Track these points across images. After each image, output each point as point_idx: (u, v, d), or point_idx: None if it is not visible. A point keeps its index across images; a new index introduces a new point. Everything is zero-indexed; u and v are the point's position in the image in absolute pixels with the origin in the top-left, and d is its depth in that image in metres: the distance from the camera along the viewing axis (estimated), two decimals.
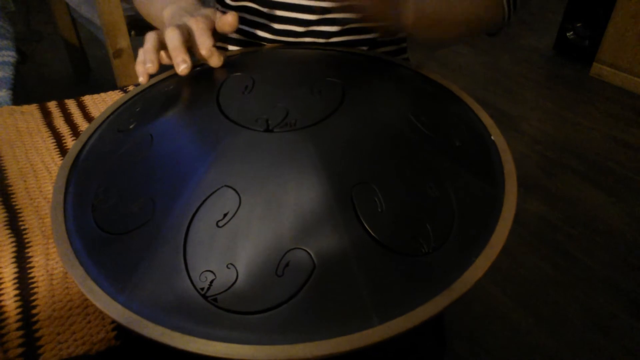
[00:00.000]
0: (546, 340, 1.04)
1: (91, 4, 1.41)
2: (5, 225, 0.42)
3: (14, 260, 0.39)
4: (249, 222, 0.30)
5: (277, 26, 0.55)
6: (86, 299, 0.36)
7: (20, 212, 0.44)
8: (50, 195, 0.46)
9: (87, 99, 0.62)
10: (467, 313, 1.10)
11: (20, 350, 0.33)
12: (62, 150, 0.53)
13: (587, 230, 1.33)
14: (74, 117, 0.58)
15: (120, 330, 0.35)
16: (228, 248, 0.29)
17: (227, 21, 0.43)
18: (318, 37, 0.55)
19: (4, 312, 0.35)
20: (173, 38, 0.41)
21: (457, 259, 0.30)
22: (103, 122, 0.44)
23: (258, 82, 0.41)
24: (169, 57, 0.42)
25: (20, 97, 1.10)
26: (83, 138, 0.42)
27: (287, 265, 0.28)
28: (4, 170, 0.49)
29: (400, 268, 0.29)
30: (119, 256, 0.31)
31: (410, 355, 0.48)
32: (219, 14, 0.44)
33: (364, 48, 0.58)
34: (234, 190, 0.31)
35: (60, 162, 0.50)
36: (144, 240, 0.31)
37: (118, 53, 1.25)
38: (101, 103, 0.61)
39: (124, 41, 1.24)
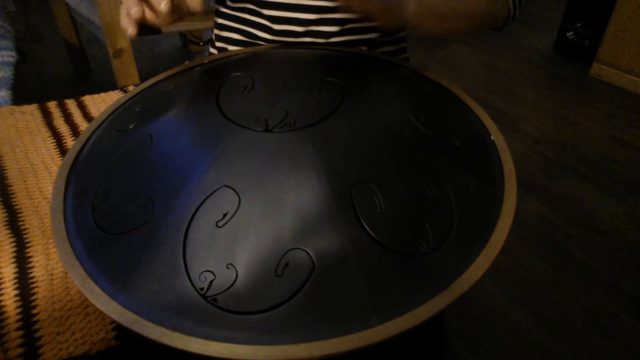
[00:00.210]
0: (546, 340, 1.04)
1: (91, 3, 1.41)
2: (5, 225, 0.42)
3: (14, 260, 0.39)
4: (249, 222, 0.30)
5: (276, 26, 0.55)
6: (86, 299, 0.36)
7: (20, 212, 0.44)
8: (50, 195, 0.46)
9: (87, 99, 0.62)
10: (467, 313, 1.09)
11: (20, 350, 0.33)
12: (62, 150, 0.53)
13: (587, 230, 1.33)
14: (74, 117, 0.58)
15: (120, 330, 0.35)
16: (228, 248, 0.29)
17: None
18: (317, 37, 0.55)
19: (4, 312, 0.35)
20: None
21: (456, 259, 0.30)
22: (103, 122, 0.44)
23: (257, 82, 0.41)
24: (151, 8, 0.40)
25: (20, 97, 1.10)
26: (83, 138, 0.42)
27: (286, 265, 0.28)
28: (4, 170, 0.49)
29: (399, 268, 0.29)
30: (119, 256, 0.31)
31: (410, 355, 0.48)
32: None
33: (364, 48, 0.58)
34: (234, 190, 0.31)
35: (60, 162, 0.50)
36: (143, 240, 0.31)
37: (118, 53, 1.24)
38: (101, 103, 0.61)
39: (124, 41, 1.24)
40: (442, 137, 0.37)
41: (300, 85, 0.41)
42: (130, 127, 0.40)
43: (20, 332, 0.34)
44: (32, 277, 0.38)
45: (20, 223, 0.43)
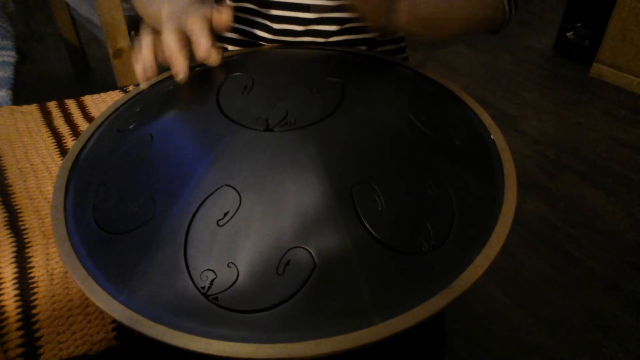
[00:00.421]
0: (546, 340, 1.04)
1: (91, 4, 1.41)
2: (5, 225, 0.42)
3: (14, 260, 0.39)
4: (250, 221, 0.30)
5: (276, 26, 0.55)
6: (86, 299, 0.36)
7: (20, 212, 0.44)
8: (50, 195, 0.46)
9: (87, 99, 0.62)
10: (467, 313, 1.10)
11: (20, 350, 0.33)
12: (62, 150, 0.53)
13: (587, 230, 1.33)
14: (74, 117, 0.58)
15: (120, 330, 0.35)
16: (229, 247, 0.29)
17: (222, 19, 0.43)
18: (317, 37, 0.55)
19: (4, 312, 0.35)
20: (170, 44, 0.41)
21: (457, 258, 0.30)
22: (103, 122, 0.44)
23: (258, 81, 0.41)
24: (167, 61, 0.42)
25: (20, 97, 1.11)
26: (83, 138, 0.42)
27: (287, 263, 0.28)
28: (4, 170, 0.49)
29: (400, 267, 0.29)
30: (120, 256, 0.31)
31: (411, 355, 0.48)
32: (215, 12, 0.44)
33: (363, 47, 0.58)
34: (234, 189, 0.31)
35: (60, 162, 0.50)
36: (144, 239, 0.31)
37: (118, 53, 1.25)
38: (101, 103, 0.61)
39: (124, 41, 1.24)
40: (442, 137, 0.37)
41: (300, 84, 0.41)
42: (131, 127, 0.40)
43: (20, 332, 0.34)
44: (32, 277, 0.38)
45: (20, 223, 0.43)
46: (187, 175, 0.33)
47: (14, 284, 0.37)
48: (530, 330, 1.06)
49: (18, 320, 0.35)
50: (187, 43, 0.42)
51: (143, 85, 0.44)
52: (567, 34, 2.21)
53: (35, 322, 0.35)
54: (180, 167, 0.34)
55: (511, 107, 1.91)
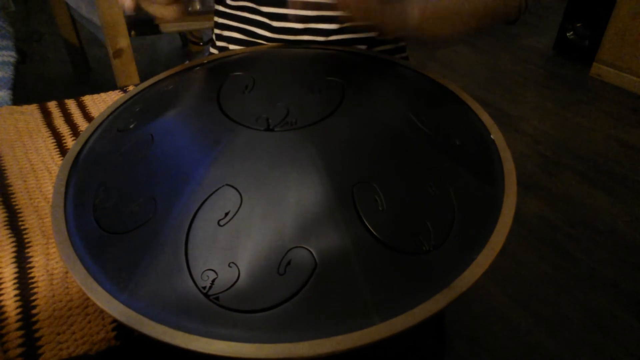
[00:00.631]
0: (546, 340, 1.04)
1: (91, 4, 1.41)
2: (5, 225, 0.42)
3: (14, 260, 0.39)
4: (250, 220, 0.30)
5: (275, 24, 0.55)
6: (86, 299, 0.36)
7: (20, 212, 0.44)
8: (50, 195, 0.46)
9: (87, 99, 0.62)
10: (467, 313, 1.10)
11: (20, 350, 0.33)
12: (62, 150, 0.53)
13: (587, 230, 1.33)
14: (74, 117, 0.58)
15: (120, 330, 0.35)
16: (230, 247, 0.29)
17: None
18: (317, 35, 0.55)
19: (4, 312, 0.35)
20: None
21: (457, 258, 0.30)
22: (103, 122, 0.44)
23: (258, 81, 0.41)
24: None
25: (20, 97, 1.11)
26: (83, 138, 0.42)
27: (288, 263, 0.28)
28: (4, 170, 0.49)
29: (400, 266, 0.29)
30: (121, 255, 0.31)
31: (411, 354, 0.48)
32: None
33: (363, 46, 0.58)
34: (235, 189, 0.31)
35: (60, 162, 0.50)
36: (145, 239, 0.31)
37: (118, 53, 1.25)
38: (101, 103, 0.61)
39: (124, 41, 1.24)
40: (442, 137, 0.37)
41: (301, 84, 0.41)
42: (131, 126, 0.40)
43: (20, 332, 0.34)
44: (32, 277, 0.38)
45: (20, 223, 0.43)
46: (187, 174, 0.33)
47: (14, 284, 0.37)
48: (530, 330, 1.06)
49: (18, 320, 0.35)
50: None
51: (127, 6, 0.40)
52: (567, 34, 2.21)
53: (35, 322, 0.35)
54: (181, 166, 0.34)
55: (511, 107, 1.91)
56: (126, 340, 0.34)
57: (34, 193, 0.46)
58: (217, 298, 0.28)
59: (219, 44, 0.63)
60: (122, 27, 1.22)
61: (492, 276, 1.18)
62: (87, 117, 0.58)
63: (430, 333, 0.52)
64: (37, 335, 0.34)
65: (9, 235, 0.41)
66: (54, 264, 0.39)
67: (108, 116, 0.44)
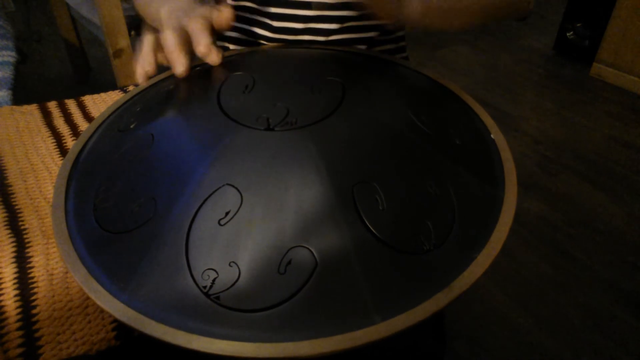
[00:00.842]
0: (546, 340, 1.04)
1: (91, 4, 1.41)
2: (5, 225, 0.42)
3: (14, 260, 0.39)
4: (251, 220, 0.30)
5: (276, 24, 0.55)
6: (86, 299, 0.36)
7: (20, 212, 0.44)
8: (50, 195, 0.46)
9: (87, 99, 0.62)
10: (467, 313, 1.10)
11: (20, 350, 0.33)
12: (62, 150, 0.53)
13: (587, 230, 1.33)
14: (74, 117, 0.58)
15: (121, 330, 0.35)
16: (230, 246, 0.29)
17: (224, 17, 0.43)
18: (317, 35, 0.55)
19: (4, 312, 0.35)
20: (169, 41, 0.41)
21: (457, 257, 0.30)
22: (103, 122, 0.44)
23: (259, 81, 0.41)
24: (167, 59, 0.43)
25: (20, 97, 1.10)
26: (83, 138, 0.42)
27: (289, 263, 0.28)
28: (4, 170, 0.49)
29: (401, 266, 0.29)
30: (121, 255, 0.31)
31: (411, 354, 0.48)
32: (215, 12, 0.44)
33: (363, 46, 0.58)
34: (236, 188, 0.31)
35: (60, 162, 0.50)
36: (145, 239, 0.31)
37: (118, 53, 1.25)
38: (101, 103, 0.61)
39: (124, 41, 1.24)
40: (442, 136, 0.37)
41: (301, 84, 0.41)
42: (131, 126, 0.40)
43: (20, 332, 0.34)
44: (32, 277, 0.38)
45: (20, 223, 0.43)
46: (188, 174, 0.33)
47: (14, 284, 0.37)
48: (530, 330, 1.06)
49: (18, 320, 0.35)
50: (187, 41, 0.42)
51: (141, 81, 0.44)
52: (567, 34, 2.21)
53: (35, 322, 0.35)
54: (181, 166, 0.34)
55: (511, 107, 1.91)
56: (126, 340, 0.34)
57: (34, 193, 0.46)
58: (217, 297, 0.28)
59: (219, 43, 0.63)
60: (122, 27, 1.22)
61: (492, 276, 1.18)
62: (87, 117, 0.58)
63: (430, 333, 0.52)
64: (37, 335, 0.34)
65: (9, 235, 0.41)
66: (54, 264, 0.39)
67: (108, 116, 0.44)
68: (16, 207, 0.44)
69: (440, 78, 0.46)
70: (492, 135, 0.39)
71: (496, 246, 0.30)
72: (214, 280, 0.28)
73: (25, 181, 0.48)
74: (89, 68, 2.05)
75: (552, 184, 1.50)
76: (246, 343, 0.26)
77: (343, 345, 0.25)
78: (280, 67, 0.46)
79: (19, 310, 0.35)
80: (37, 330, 0.34)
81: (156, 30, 0.44)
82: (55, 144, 0.53)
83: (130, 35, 1.26)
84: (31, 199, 0.46)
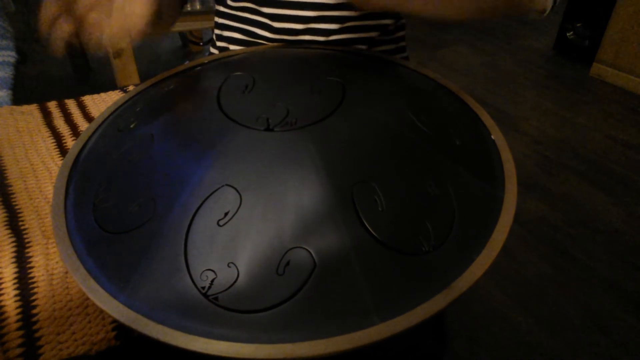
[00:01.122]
0: (546, 340, 1.04)
1: None
2: (5, 225, 0.42)
3: (14, 260, 0.39)
4: (250, 221, 0.30)
5: (276, 24, 0.55)
6: (86, 299, 0.36)
7: (20, 212, 0.44)
8: (50, 195, 0.46)
9: (87, 99, 0.62)
10: (467, 313, 1.10)
11: (20, 350, 0.33)
12: (62, 150, 0.53)
13: (587, 230, 1.33)
14: (74, 117, 0.58)
15: (120, 330, 0.35)
16: (229, 247, 0.29)
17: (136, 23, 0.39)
18: (317, 35, 0.55)
19: (4, 312, 0.35)
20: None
21: (457, 258, 0.30)
22: (103, 122, 0.44)
23: (258, 81, 0.41)
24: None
25: (20, 97, 1.10)
26: (83, 138, 0.42)
27: (287, 264, 0.28)
28: (4, 170, 0.49)
29: (400, 267, 0.29)
30: (120, 255, 0.31)
31: (410, 355, 0.48)
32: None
33: (363, 46, 0.58)
34: (235, 189, 0.31)
35: (60, 162, 0.50)
36: (145, 239, 0.31)
37: (118, 53, 1.25)
38: (101, 103, 0.61)
39: (124, 41, 1.24)
40: (442, 136, 0.37)
41: (301, 84, 0.41)
42: (131, 126, 0.40)
43: (20, 332, 0.34)
44: (32, 277, 0.38)
45: (20, 223, 0.43)
46: (187, 174, 0.33)
47: (14, 284, 0.37)
48: (530, 330, 1.06)
49: (18, 320, 0.35)
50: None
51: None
52: (567, 34, 2.21)
53: (35, 322, 0.35)
54: (181, 166, 0.34)
55: (511, 107, 1.91)
56: (126, 340, 0.34)
57: (34, 193, 0.46)
58: (216, 298, 0.28)
59: (219, 44, 0.63)
60: None
61: (492, 276, 1.18)
62: (87, 117, 0.58)
63: (430, 333, 0.52)
64: (37, 335, 0.34)
65: (9, 235, 0.41)
66: (54, 264, 0.39)
67: (108, 116, 0.44)
68: (16, 207, 0.44)
69: (440, 78, 0.46)
70: (492, 136, 0.39)
71: (496, 247, 0.30)
72: (212, 280, 0.28)
73: (25, 181, 0.48)
74: (89, 68, 2.05)
75: (552, 184, 1.50)
76: (245, 344, 0.26)
77: (342, 346, 0.25)
78: (280, 67, 0.46)
79: (19, 310, 0.35)
80: (37, 330, 0.34)
81: None
82: (55, 144, 0.53)
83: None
84: (31, 199, 0.46)
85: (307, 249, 0.29)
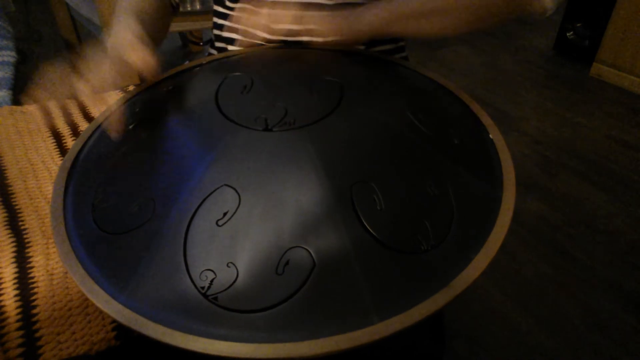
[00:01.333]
0: (546, 340, 1.04)
1: (91, 4, 1.41)
2: (5, 225, 0.42)
3: (14, 260, 0.39)
4: (249, 220, 0.30)
5: (275, 26, 0.55)
6: (86, 299, 0.36)
7: (20, 212, 0.44)
8: (50, 195, 0.46)
9: (87, 99, 0.62)
10: (466, 312, 1.09)
11: (20, 350, 0.33)
12: (62, 150, 0.53)
13: (587, 230, 1.33)
14: (74, 117, 0.58)
15: (120, 330, 0.35)
16: (228, 247, 0.29)
17: (148, 67, 0.42)
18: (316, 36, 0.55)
19: (4, 312, 0.35)
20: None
21: (455, 257, 0.30)
22: (103, 122, 0.44)
23: (257, 81, 0.41)
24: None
25: (20, 97, 1.10)
26: (83, 138, 0.42)
27: (287, 263, 0.28)
28: (4, 170, 0.49)
29: (399, 266, 0.29)
30: (120, 256, 0.31)
31: (410, 354, 0.48)
32: (141, 60, 0.43)
33: (362, 47, 0.58)
34: (234, 189, 0.31)
35: (60, 162, 0.50)
36: (144, 239, 0.31)
37: None
38: (101, 103, 0.61)
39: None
40: (441, 136, 0.37)
41: (299, 84, 0.41)
42: (130, 127, 0.40)
43: (20, 332, 0.34)
44: (32, 277, 0.38)
45: (20, 223, 0.43)
46: (186, 175, 0.33)
47: (14, 284, 0.37)
48: (530, 330, 1.06)
49: (18, 320, 0.35)
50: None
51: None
52: (567, 34, 2.21)
53: (35, 322, 0.35)
54: (180, 167, 0.34)
55: (511, 107, 1.90)
56: (126, 340, 0.34)
57: (34, 193, 0.46)
58: (215, 298, 0.28)
59: (217, 44, 0.63)
60: None
61: (492, 276, 1.18)
62: (87, 117, 0.58)
63: (428, 333, 0.52)
64: (37, 335, 0.34)
65: (9, 235, 0.41)
66: (54, 264, 0.39)
67: (108, 116, 0.44)
68: (16, 207, 0.44)
69: (439, 78, 0.46)
70: (491, 136, 0.39)
71: (494, 246, 0.30)
72: (212, 280, 0.28)
73: (25, 181, 0.48)
74: None
75: (552, 184, 1.50)
76: (244, 344, 0.26)
77: (341, 346, 0.25)
78: (278, 67, 0.46)
79: (19, 310, 0.35)
80: (37, 330, 0.34)
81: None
82: (55, 144, 0.54)
83: None
84: (31, 199, 0.46)
85: (306, 249, 0.29)
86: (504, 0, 0.47)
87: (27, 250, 0.40)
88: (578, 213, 1.39)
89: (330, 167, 0.32)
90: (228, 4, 0.59)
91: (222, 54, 0.52)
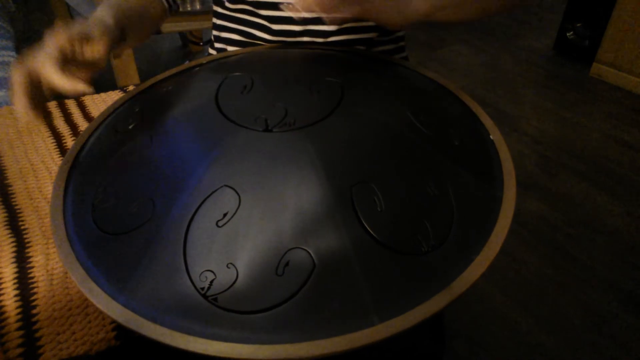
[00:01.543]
0: (546, 340, 1.04)
1: (91, 4, 1.41)
2: (5, 225, 0.42)
3: (14, 260, 0.39)
4: (249, 221, 0.30)
5: (274, 26, 0.55)
6: (86, 299, 0.36)
7: (20, 212, 0.44)
8: (50, 195, 0.46)
9: (87, 99, 0.62)
10: (466, 312, 1.09)
11: (20, 350, 0.33)
12: (62, 150, 0.53)
13: (587, 230, 1.33)
14: (74, 117, 0.58)
15: (120, 331, 0.35)
16: (228, 248, 0.29)
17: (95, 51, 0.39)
18: (316, 37, 0.55)
19: (4, 312, 0.35)
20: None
21: (456, 258, 0.30)
22: (103, 122, 0.44)
23: (257, 82, 0.41)
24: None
25: None
26: (83, 138, 0.42)
27: (287, 264, 0.28)
28: (4, 170, 0.49)
29: (399, 267, 0.29)
30: (119, 256, 0.31)
31: (410, 355, 0.48)
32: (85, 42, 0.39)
33: (362, 47, 0.58)
34: (234, 190, 0.31)
35: (60, 162, 0.50)
36: (143, 240, 0.31)
37: (118, 53, 1.24)
38: (101, 103, 0.61)
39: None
40: (441, 136, 0.37)
41: (299, 84, 0.41)
42: (130, 127, 0.40)
43: (20, 332, 0.34)
44: (32, 277, 0.38)
45: (20, 223, 0.43)
46: (186, 175, 0.33)
47: (14, 284, 0.37)
48: (530, 330, 1.06)
49: (18, 320, 0.35)
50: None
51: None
52: (567, 34, 2.21)
53: (35, 322, 0.35)
54: (179, 167, 0.34)
55: (511, 107, 1.90)
56: (126, 340, 0.34)
57: (34, 193, 0.46)
58: (215, 299, 0.28)
59: (217, 45, 0.63)
60: None
61: (492, 276, 1.18)
62: (87, 117, 0.58)
63: (428, 333, 0.52)
64: (37, 335, 0.34)
65: (9, 235, 0.41)
66: (54, 264, 0.39)
67: (108, 116, 0.44)
68: (16, 207, 0.44)
69: (439, 78, 0.46)
70: (491, 136, 0.39)
71: (495, 247, 0.30)
72: (211, 281, 0.28)
73: (25, 181, 0.48)
74: None
75: (552, 184, 1.50)
76: (244, 345, 0.26)
77: (341, 347, 0.25)
78: (278, 67, 0.46)
79: (19, 310, 0.35)
80: (37, 330, 0.34)
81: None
82: (55, 144, 0.53)
83: None
84: (31, 199, 0.46)
85: (306, 250, 0.29)
86: None
87: (27, 250, 0.40)
88: (578, 213, 1.39)
89: (330, 167, 0.32)
90: (227, 5, 0.58)
91: (222, 54, 0.52)
